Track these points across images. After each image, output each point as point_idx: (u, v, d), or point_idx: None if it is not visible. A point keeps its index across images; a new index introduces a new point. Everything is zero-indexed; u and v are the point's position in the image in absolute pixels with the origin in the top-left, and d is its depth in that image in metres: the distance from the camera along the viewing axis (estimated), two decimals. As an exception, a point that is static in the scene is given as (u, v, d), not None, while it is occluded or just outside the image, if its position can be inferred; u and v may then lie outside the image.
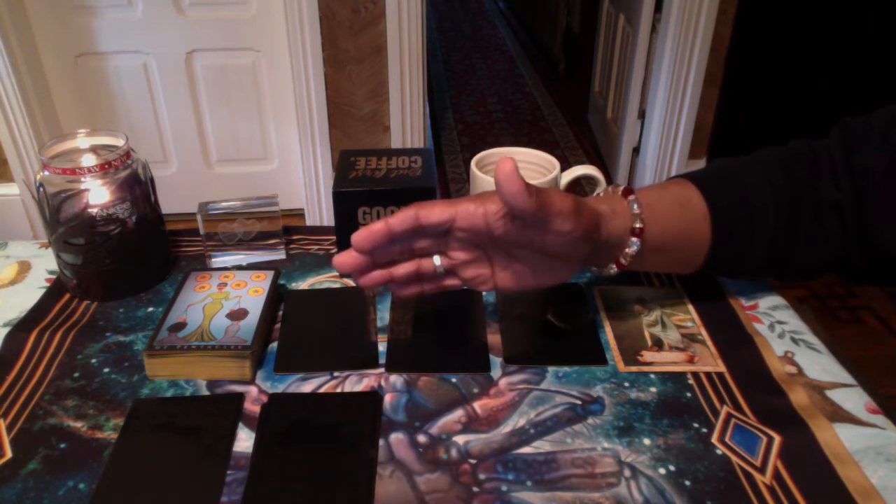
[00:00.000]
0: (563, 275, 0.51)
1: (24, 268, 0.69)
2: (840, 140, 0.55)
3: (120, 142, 0.63)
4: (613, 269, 0.54)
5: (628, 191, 0.53)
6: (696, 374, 0.54)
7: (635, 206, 0.52)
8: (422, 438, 0.48)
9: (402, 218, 0.46)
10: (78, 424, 0.49)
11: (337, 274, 0.67)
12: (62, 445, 0.48)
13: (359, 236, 0.46)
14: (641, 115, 2.31)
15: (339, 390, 0.53)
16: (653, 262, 0.55)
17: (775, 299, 0.63)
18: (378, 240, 0.46)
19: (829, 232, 0.55)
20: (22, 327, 0.59)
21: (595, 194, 0.65)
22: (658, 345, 0.57)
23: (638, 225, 0.51)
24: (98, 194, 0.60)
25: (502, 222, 0.46)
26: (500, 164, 0.42)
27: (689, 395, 0.52)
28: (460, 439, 0.48)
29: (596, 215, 0.49)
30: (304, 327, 0.59)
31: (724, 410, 0.50)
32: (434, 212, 0.46)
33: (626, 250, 0.52)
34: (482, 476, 0.45)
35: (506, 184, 0.42)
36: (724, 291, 0.63)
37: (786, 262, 0.57)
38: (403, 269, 0.50)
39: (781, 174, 0.56)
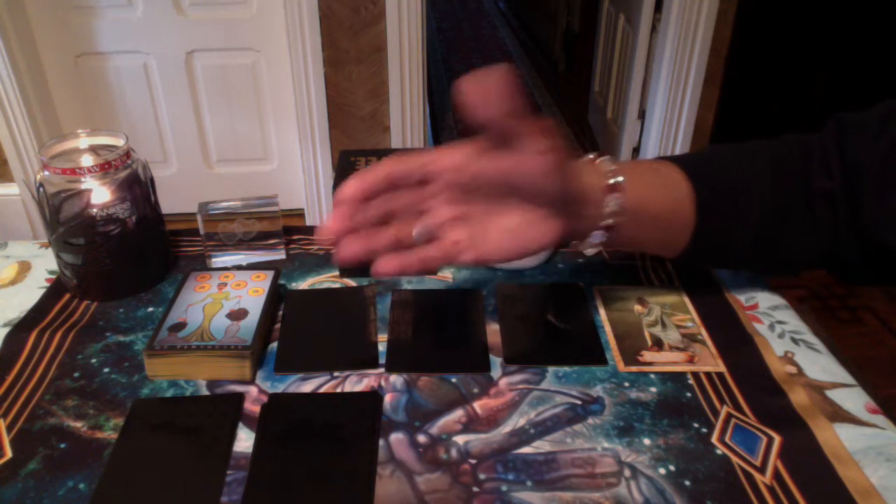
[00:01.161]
0: (546, 233, 0.47)
1: (24, 268, 0.69)
2: (834, 132, 0.55)
3: (120, 142, 0.63)
4: (598, 236, 0.51)
5: (600, 156, 0.52)
6: (696, 374, 0.54)
7: (609, 166, 0.50)
8: (422, 438, 0.48)
9: (378, 167, 0.45)
10: (78, 424, 0.49)
11: (337, 274, 0.67)
12: (62, 445, 0.48)
13: (346, 187, 0.45)
14: (641, 115, 2.32)
15: (339, 390, 0.53)
16: (634, 235, 0.53)
17: (775, 299, 0.63)
18: (367, 188, 0.45)
19: (818, 221, 0.54)
20: (22, 327, 0.59)
21: None
22: (658, 345, 0.57)
23: (613, 181, 0.49)
24: (98, 194, 0.60)
25: (475, 157, 0.45)
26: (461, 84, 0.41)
27: (689, 395, 0.52)
28: (460, 439, 0.48)
29: (568, 158, 0.47)
30: (304, 327, 0.59)
31: (724, 410, 0.50)
32: (408, 158, 0.45)
33: (605, 210, 0.49)
34: (482, 476, 0.45)
35: (476, 98, 0.41)
36: (725, 291, 0.63)
37: (773, 252, 0.56)
38: (382, 238, 0.47)
39: (770, 162, 0.55)
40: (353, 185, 0.45)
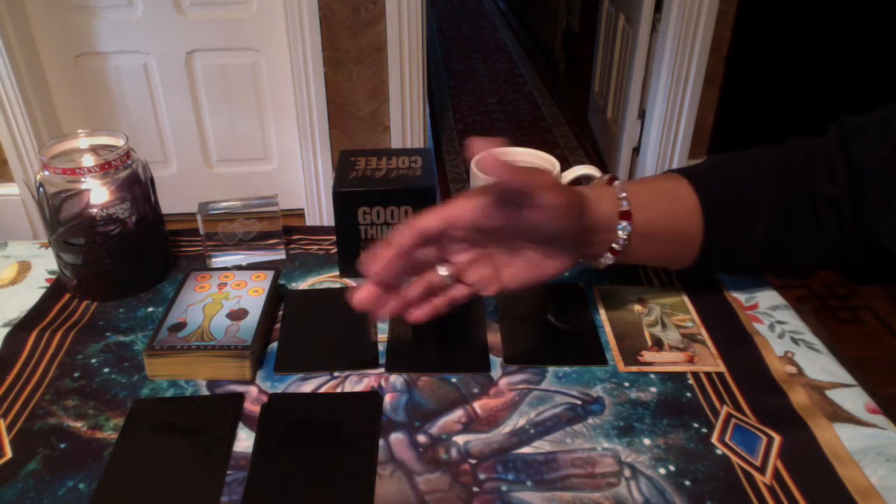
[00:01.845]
0: (562, 264, 0.51)
1: (24, 268, 0.69)
2: (837, 136, 0.55)
3: (120, 142, 0.63)
4: (609, 258, 0.54)
5: (613, 178, 0.55)
6: (696, 374, 0.54)
7: (621, 192, 0.53)
8: (422, 438, 0.48)
9: (402, 233, 0.46)
10: (78, 424, 0.49)
11: (337, 274, 0.67)
12: (62, 445, 0.48)
13: (375, 267, 0.46)
14: (641, 115, 2.32)
15: (339, 390, 0.53)
16: (645, 253, 0.55)
17: (775, 299, 0.63)
18: (392, 264, 0.46)
19: (824, 226, 0.55)
20: (22, 327, 0.59)
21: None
22: (658, 345, 0.57)
23: (624, 207, 0.52)
24: (98, 194, 0.60)
25: (492, 210, 0.47)
26: (483, 159, 0.44)
27: (689, 395, 0.52)
28: (460, 439, 0.48)
29: (580, 195, 0.50)
30: (304, 327, 0.59)
31: (724, 410, 0.50)
32: (429, 218, 0.47)
33: (618, 234, 0.52)
34: (482, 476, 0.45)
35: (489, 167, 0.44)
36: (724, 291, 0.63)
37: (782, 258, 0.57)
38: (414, 289, 0.50)
39: (775, 169, 0.55)
40: (385, 257, 0.46)
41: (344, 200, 0.64)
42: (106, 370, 0.55)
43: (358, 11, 1.93)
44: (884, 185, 0.51)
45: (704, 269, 0.59)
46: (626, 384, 0.53)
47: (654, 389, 0.52)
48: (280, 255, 0.70)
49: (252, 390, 0.53)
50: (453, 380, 0.53)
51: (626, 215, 0.52)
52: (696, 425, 0.49)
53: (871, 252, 0.55)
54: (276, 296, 0.62)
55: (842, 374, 0.54)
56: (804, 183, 0.55)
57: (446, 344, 0.58)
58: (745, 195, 0.55)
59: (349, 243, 0.65)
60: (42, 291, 0.65)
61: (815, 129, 0.58)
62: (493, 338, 0.58)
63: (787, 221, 0.55)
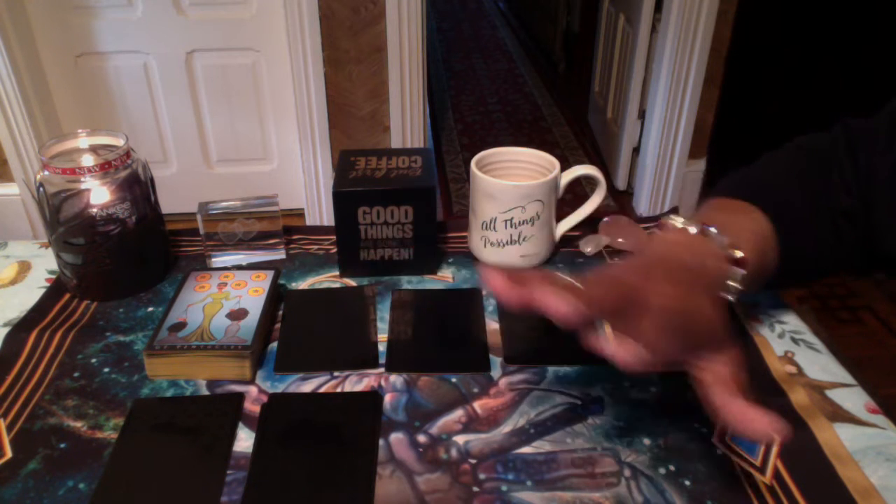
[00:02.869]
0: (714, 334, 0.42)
1: (24, 268, 0.69)
2: (844, 143, 0.54)
3: (120, 142, 0.63)
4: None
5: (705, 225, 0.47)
6: (696, 374, 0.53)
7: (724, 238, 0.46)
8: (422, 438, 0.48)
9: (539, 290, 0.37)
10: (78, 424, 0.49)
11: (337, 274, 0.67)
12: (62, 445, 0.48)
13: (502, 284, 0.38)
14: (641, 115, 2.31)
15: (339, 390, 0.53)
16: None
17: (775, 299, 0.63)
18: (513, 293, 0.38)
19: (843, 237, 0.53)
20: (22, 327, 0.59)
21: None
22: (658, 345, 0.57)
23: (736, 255, 0.45)
24: (98, 194, 0.60)
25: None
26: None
27: (689, 395, 0.52)
28: (460, 439, 0.48)
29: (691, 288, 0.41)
30: (304, 327, 0.59)
31: (724, 410, 0.50)
32: (558, 306, 0.36)
33: (728, 283, 0.45)
34: (482, 476, 0.45)
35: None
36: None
37: (801, 272, 0.56)
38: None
39: (798, 184, 0.54)
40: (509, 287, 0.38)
41: (344, 200, 0.64)
42: (106, 370, 0.55)
43: (358, 11, 1.93)
44: (892, 192, 0.50)
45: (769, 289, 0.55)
46: (626, 384, 0.53)
47: (654, 389, 0.52)
48: (280, 255, 0.70)
49: (252, 390, 0.53)
50: (453, 380, 0.53)
51: (739, 262, 0.45)
52: (696, 425, 0.49)
53: (875, 258, 0.54)
54: (276, 296, 0.62)
55: (842, 374, 0.54)
56: (823, 196, 0.53)
57: (446, 344, 0.58)
58: (797, 215, 0.52)
59: (349, 243, 0.65)
60: (42, 291, 0.65)
61: (815, 129, 0.58)
62: (493, 338, 0.58)
63: (811, 235, 0.53)
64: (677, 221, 0.48)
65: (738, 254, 0.45)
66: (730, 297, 0.45)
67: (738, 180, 0.56)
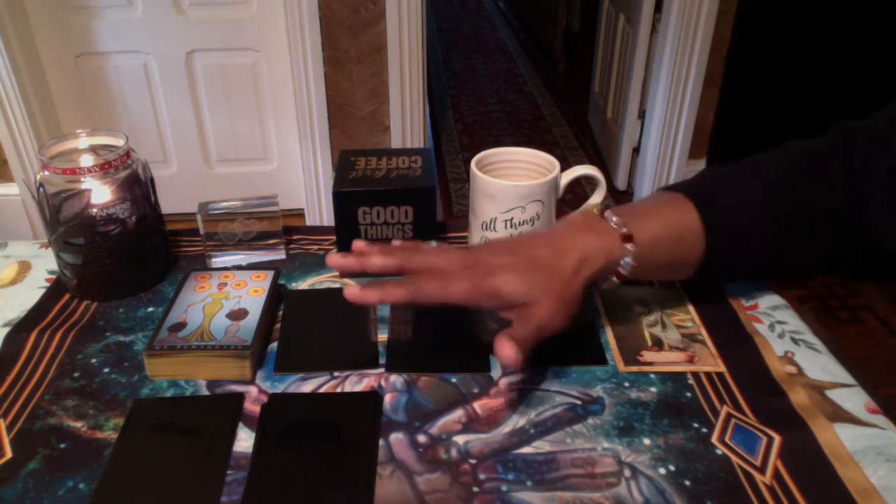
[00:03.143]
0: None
1: (24, 268, 0.69)
2: (839, 144, 0.54)
3: (120, 142, 0.63)
4: (612, 282, 0.54)
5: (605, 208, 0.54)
6: (696, 374, 0.54)
7: (616, 217, 0.52)
8: (422, 438, 0.48)
9: (402, 255, 0.51)
10: (78, 424, 0.49)
11: (337, 274, 0.67)
12: (62, 445, 0.48)
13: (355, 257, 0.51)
14: (641, 115, 2.31)
15: (339, 390, 0.53)
16: (646, 273, 0.56)
17: (775, 299, 0.63)
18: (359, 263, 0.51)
19: (821, 237, 0.54)
20: (22, 327, 0.59)
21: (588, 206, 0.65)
22: (658, 345, 0.57)
23: (624, 232, 0.52)
24: (98, 194, 0.60)
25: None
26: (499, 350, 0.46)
27: (689, 395, 0.52)
28: (460, 439, 0.48)
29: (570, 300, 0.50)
30: (304, 327, 0.59)
31: (723, 410, 0.50)
32: (428, 287, 0.49)
33: (619, 265, 0.52)
34: (482, 476, 0.45)
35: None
36: (724, 292, 0.63)
37: (779, 269, 0.57)
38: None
39: (773, 183, 0.55)
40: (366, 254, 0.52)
41: (344, 200, 0.64)
42: (106, 370, 0.55)
43: (358, 11, 1.93)
44: (890, 192, 0.51)
45: (703, 280, 0.59)
46: (626, 384, 0.53)
47: (654, 389, 0.52)
48: (280, 255, 0.70)
49: (252, 390, 0.53)
50: (453, 380, 0.53)
51: (627, 238, 0.52)
52: (696, 425, 0.49)
53: (873, 258, 0.54)
54: (276, 296, 0.62)
55: (842, 374, 0.54)
56: (800, 195, 0.54)
57: (446, 344, 0.58)
58: (744, 212, 0.54)
59: (349, 243, 0.65)
60: (42, 291, 0.65)
61: (815, 129, 0.58)
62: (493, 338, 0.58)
63: (785, 234, 0.54)
64: (591, 206, 0.57)
65: (625, 230, 0.51)
66: (622, 272, 0.52)
67: (699, 176, 0.59)
